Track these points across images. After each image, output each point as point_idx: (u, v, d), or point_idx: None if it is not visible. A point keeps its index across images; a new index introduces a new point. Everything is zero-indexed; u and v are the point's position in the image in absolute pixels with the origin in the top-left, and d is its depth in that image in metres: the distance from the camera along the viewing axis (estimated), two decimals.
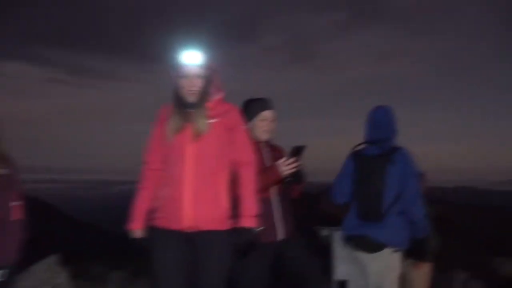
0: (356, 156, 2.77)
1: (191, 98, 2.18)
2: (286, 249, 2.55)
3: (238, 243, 2.19)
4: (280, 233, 2.52)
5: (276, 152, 2.68)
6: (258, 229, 2.24)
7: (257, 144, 2.62)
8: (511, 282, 3.67)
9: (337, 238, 3.26)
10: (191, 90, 2.17)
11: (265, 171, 2.38)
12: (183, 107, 2.19)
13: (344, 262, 3.15)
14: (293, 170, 2.47)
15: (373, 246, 2.59)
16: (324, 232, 3.59)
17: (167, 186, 2.18)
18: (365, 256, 2.64)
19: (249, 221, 2.20)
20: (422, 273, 3.53)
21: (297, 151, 2.50)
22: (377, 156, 2.66)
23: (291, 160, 2.46)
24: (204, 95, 2.19)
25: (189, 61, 2.16)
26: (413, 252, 2.72)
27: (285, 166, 2.45)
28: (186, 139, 2.16)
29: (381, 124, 2.77)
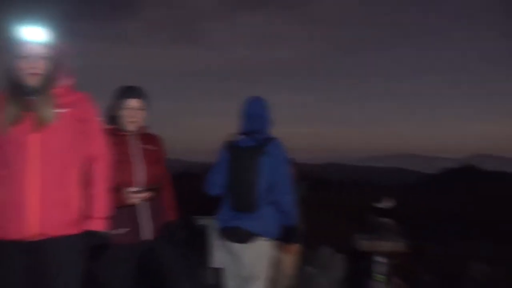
0: (230, 147, 2.78)
1: (31, 82, 1.85)
2: (154, 249, 2.46)
3: (88, 247, 2.01)
4: (147, 233, 2.42)
5: (149, 143, 2.56)
6: (110, 232, 2.10)
7: (124, 136, 2.47)
8: (367, 253, 4.15)
9: (213, 227, 3.29)
10: (31, 72, 1.84)
11: (112, 192, 2.18)
12: (22, 93, 1.86)
13: (220, 251, 3.19)
14: (140, 201, 2.38)
15: (246, 237, 2.64)
16: (201, 221, 3.59)
17: (2, 187, 1.85)
18: (238, 246, 2.69)
19: (98, 223, 2.02)
20: (291, 255, 3.77)
21: (153, 189, 2.42)
22: (250, 148, 2.69)
23: (144, 194, 2.37)
24: (48, 79, 1.88)
25: (31, 38, 1.83)
26: (283, 238, 2.86)
27: (134, 197, 2.35)
28: (27, 132, 1.84)
29: (255, 115, 2.81)
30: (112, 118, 2.51)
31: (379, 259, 4.05)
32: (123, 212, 2.32)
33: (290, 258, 3.73)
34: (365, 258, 4.24)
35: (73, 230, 1.95)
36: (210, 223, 3.45)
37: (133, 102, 2.48)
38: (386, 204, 4.60)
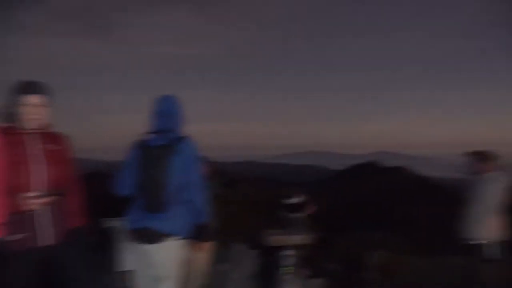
0: (141, 146, 2.72)
1: None
2: (56, 255, 2.34)
3: None
4: (47, 239, 2.30)
5: (52, 143, 2.41)
6: (5, 238, 2.00)
7: (22, 135, 2.31)
8: (277, 248, 4.35)
9: (122, 229, 3.20)
10: None
11: (6, 197, 2.08)
12: None
13: (129, 253, 3.12)
14: (40, 206, 2.26)
15: (156, 237, 2.61)
16: (110, 223, 3.47)
17: None
18: (148, 247, 2.65)
19: None
20: (204, 252, 3.81)
21: (56, 193, 2.31)
22: (162, 147, 2.66)
23: (44, 199, 2.25)
24: None
25: None
26: (195, 236, 2.88)
27: (32, 202, 2.22)
28: None
29: (167, 114, 2.78)
30: (10, 116, 2.33)
31: (288, 252, 4.26)
32: (20, 217, 2.18)
33: (202, 256, 3.77)
34: (275, 252, 4.43)
35: None
36: (119, 225, 3.35)
37: (33, 98, 2.33)
38: (296, 199, 4.84)
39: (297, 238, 4.32)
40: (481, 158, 4.19)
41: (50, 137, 2.41)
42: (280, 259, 4.31)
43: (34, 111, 2.32)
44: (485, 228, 4.08)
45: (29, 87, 2.35)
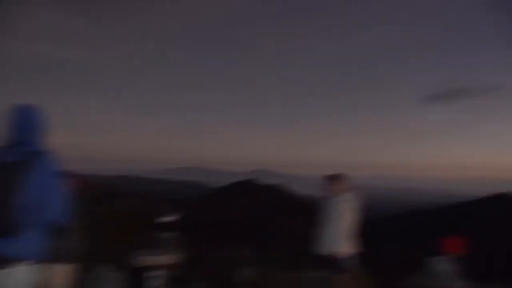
0: None
1: None
2: None
3: None
4: None
5: None
6: None
7: None
8: (146, 268, 4.22)
9: None
10: None
11: None
12: None
13: None
14: None
15: (5, 263, 2.34)
16: None
17: None
18: None
19: None
20: (62, 276, 3.52)
21: None
22: (14, 163, 2.40)
23: None
24: None
25: None
26: (53, 259, 2.65)
27: None
28: None
29: (23, 125, 2.53)
30: None
31: (157, 272, 4.17)
32: None
33: (60, 280, 3.48)
34: (143, 273, 4.29)
35: None
36: None
37: None
38: (169, 218, 4.76)
39: (166, 258, 4.25)
40: (332, 180, 4.75)
41: None
42: (148, 280, 4.19)
43: None
44: (340, 244, 4.56)
45: None
